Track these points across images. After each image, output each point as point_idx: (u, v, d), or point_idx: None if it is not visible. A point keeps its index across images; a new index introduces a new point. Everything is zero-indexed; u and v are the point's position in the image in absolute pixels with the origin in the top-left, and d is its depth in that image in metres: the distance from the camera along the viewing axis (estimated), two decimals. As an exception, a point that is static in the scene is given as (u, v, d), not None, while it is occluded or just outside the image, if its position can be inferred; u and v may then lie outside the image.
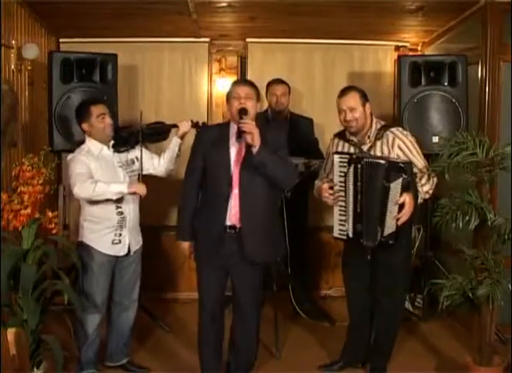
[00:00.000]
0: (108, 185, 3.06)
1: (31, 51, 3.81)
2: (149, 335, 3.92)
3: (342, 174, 3.05)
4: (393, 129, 3.15)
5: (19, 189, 2.91)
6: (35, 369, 2.86)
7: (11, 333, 2.47)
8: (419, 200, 3.09)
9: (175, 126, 3.43)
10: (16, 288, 2.82)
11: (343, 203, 3.07)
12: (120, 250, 3.22)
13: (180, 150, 3.42)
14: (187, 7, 3.85)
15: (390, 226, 2.94)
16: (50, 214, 3.00)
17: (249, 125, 2.78)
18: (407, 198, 2.91)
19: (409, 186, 2.93)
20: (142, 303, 4.04)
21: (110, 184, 3.07)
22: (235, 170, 2.89)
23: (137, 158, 3.27)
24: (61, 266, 3.02)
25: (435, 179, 3.15)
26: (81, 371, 3.21)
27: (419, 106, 3.94)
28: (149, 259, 3.91)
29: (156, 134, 3.41)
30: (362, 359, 3.41)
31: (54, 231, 3.02)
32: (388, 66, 4.94)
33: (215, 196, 2.91)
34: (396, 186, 2.90)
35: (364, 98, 3.10)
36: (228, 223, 2.90)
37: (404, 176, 2.90)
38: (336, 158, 3.08)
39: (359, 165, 2.97)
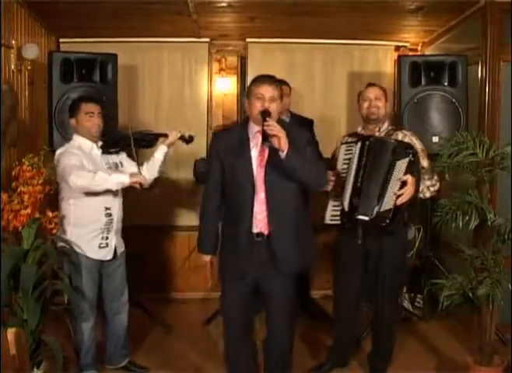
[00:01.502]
0: (108, 174, 3.01)
1: (31, 51, 3.81)
2: (148, 335, 3.92)
3: (346, 161, 3.12)
4: (404, 130, 3.29)
5: (19, 189, 2.91)
6: (35, 369, 2.86)
7: (11, 333, 2.46)
8: (420, 193, 3.11)
9: (165, 135, 3.39)
10: (16, 288, 2.81)
11: (340, 189, 3.09)
12: (107, 254, 3.18)
13: (165, 159, 3.35)
14: (187, 7, 3.85)
15: (388, 202, 2.95)
16: (50, 214, 2.99)
17: (275, 128, 2.56)
18: (410, 178, 2.95)
19: (413, 170, 2.98)
20: (141, 303, 4.06)
21: (111, 174, 3.03)
22: (258, 174, 2.70)
23: (121, 163, 3.26)
24: (60, 266, 3.02)
25: (438, 183, 3.20)
26: (81, 372, 3.20)
27: (419, 106, 3.94)
28: (147, 259, 3.91)
29: (144, 140, 3.34)
30: (348, 359, 3.43)
31: (54, 231, 3.01)
32: (388, 66, 4.94)
33: (238, 203, 2.73)
34: (401, 164, 2.96)
35: (386, 96, 3.28)
36: (255, 230, 2.71)
37: (411, 157, 2.96)
38: (343, 147, 3.20)
39: (366, 142, 3.05)
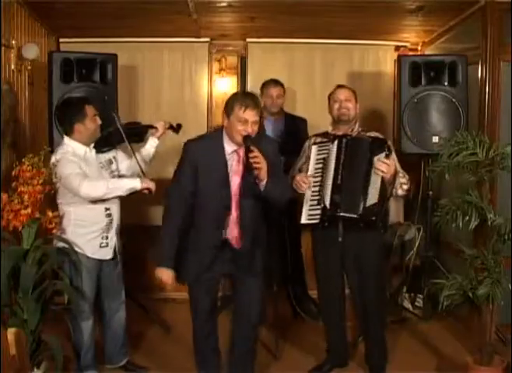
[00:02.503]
0: (119, 181, 3.04)
1: (31, 51, 3.81)
2: (147, 335, 3.91)
3: (320, 160, 3.12)
4: (375, 132, 3.29)
5: (19, 189, 2.91)
6: (35, 369, 2.85)
7: (11, 333, 2.46)
8: (393, 189, 3.12)
9: (153, 127, 3.40)
10: (16, 288, 2.81)
11: (316, 189, 3.09)
12: (107, 253, 3.17)
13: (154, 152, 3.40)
14: (187, 7, 3.86)
15: (372, 197, 2.98)
16: (50, 214, 2.99)
17: (259, 159, 2.64)
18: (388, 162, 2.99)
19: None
20: (140, 302, 4.06)
21: (121, 180, 3.05)
22: (234, 195, 2.80)
23: (114, 158, 3.25)
24: (60, 266, 3.02)
25: (409, 182, 3.22)
26: (81, 372, 3.20)
27: (419, 106, 3.95)
28: (147, 259, 3.89)
29: (133, 135, 3.32)
30: (347, 359, 3.44)
31: (54, 231, 3.01)
32: (388, 66, 4.94)
33: (212, 218, 2.80)
34: (379, 159, 2.99)
35: (356, 97, 3.29)
36: (224, 236, 2.83)
37: (387, 151, 3.02)
38: (314, 147, 3.19)
39: (343, 140, 3.09)
